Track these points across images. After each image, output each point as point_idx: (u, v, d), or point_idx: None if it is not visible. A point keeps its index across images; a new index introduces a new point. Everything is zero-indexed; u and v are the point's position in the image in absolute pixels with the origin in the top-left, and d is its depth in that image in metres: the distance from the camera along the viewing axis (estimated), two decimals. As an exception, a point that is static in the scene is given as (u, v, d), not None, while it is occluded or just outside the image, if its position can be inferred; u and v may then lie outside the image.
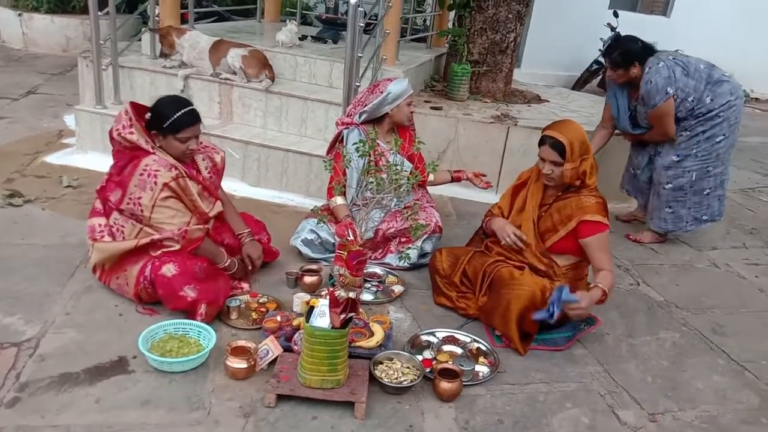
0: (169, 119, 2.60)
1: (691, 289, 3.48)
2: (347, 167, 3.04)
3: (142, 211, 2.60)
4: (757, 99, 11.18)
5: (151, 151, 2.63)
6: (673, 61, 3.67)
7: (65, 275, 2.87)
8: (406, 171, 2.29)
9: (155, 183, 2.57)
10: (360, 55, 3.83)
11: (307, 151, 4.09)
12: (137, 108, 2.70)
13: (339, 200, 3.19)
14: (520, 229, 2.86)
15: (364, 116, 3.32)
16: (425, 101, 4.89)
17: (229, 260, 2.82)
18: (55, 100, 5.86)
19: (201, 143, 2.88)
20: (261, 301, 2.79)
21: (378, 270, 3.19)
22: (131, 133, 2.62)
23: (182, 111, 2.63)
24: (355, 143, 2.84)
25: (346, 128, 3.33)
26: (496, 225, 2.94)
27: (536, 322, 2.66)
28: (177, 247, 2.61)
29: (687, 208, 3.88)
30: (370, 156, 2.63)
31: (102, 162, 4.22)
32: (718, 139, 3.72)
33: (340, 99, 4.03)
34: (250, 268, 2.92)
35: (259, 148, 4.14)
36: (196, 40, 4.49)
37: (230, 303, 2.67)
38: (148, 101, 4.57)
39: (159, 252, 2.61)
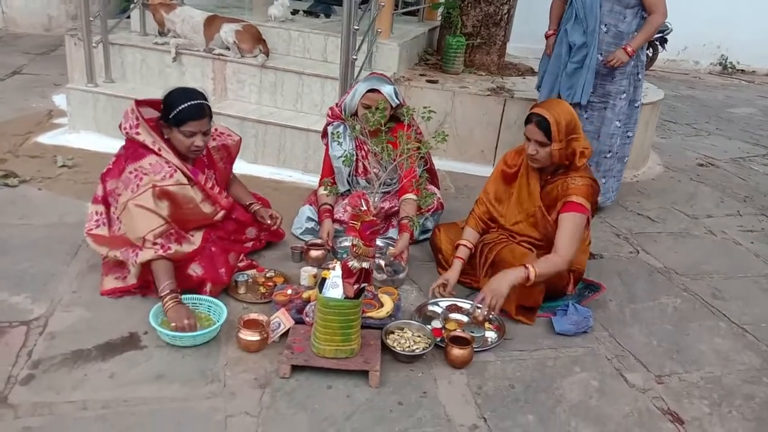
0: (174, 110, 2.50)
1: (689, 256, 3.53)
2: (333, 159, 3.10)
3: (116, 208, 2.55)
4: (743, 71, 11.25)
5: (157, 151, 2.53)
6: None
7: (68, 255, 2.84)
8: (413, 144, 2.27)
9: (137, 186, 2.46)
10: (356, 28, 3.79)
11: (304, 126, 4.06)
12: (143, 105, 2.62)
13: (321, 191, 3.15)
14: (519, 224, 2.82)
15: (346, 109, 3.15)
16: (420, 74, 4.87)
17: (168, 288, 2.41)
18: (41, 80, 5.75)
19: (215, 129, 2.80)
20: (268, 275, 2.79)
21: (379, 242, 3.19)
22: (137, 133, 2.53)
23: (188, 103, 2.51)
24: (339, 156, 2.92)
25: (329, 124, 3.24)
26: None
27: (540, 294, 2.69)
28: (133, 278, 2.51)
29: (613, 177, 3.93)
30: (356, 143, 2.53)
31: (95, 141, 4.20)
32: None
33: (335, 73, 4.00)
34: (275, 222, 2.95)
35: (255, 124, 4.10)
36: (189, 14, 4.42)
37: (238, 278, 2.67)
38: (138, 79, 4.49)
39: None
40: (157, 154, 2.52)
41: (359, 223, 2.01)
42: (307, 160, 4.07)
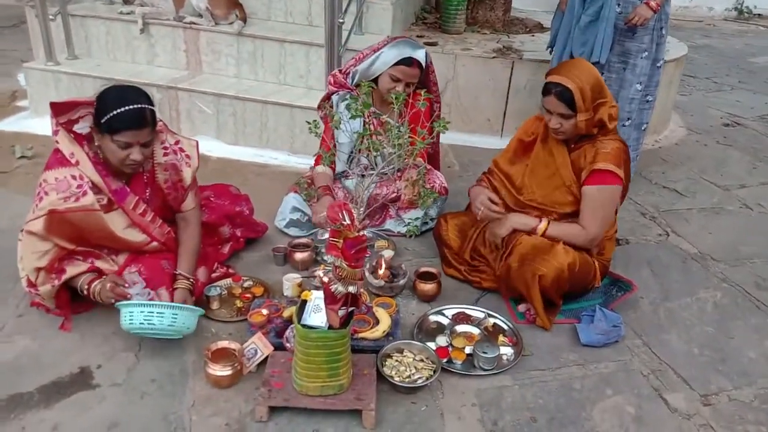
0: (107, 115, 2.01)
1: (724, 236, 3.13)
2: (336, 130, 2.58)
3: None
4: (760, 15, 10.59)
5: (72, 162, 2.06)
6: None
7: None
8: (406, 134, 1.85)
9: (36, 205, 2.07)
10: (342, -14, 3.33)
11: (287, 101, 3.63)
12: (59, 107, 2.11)
13: (320, 169, 2.73)
14: (535, 202, 2.44)
15: (357, 76, 2.76)
16: (417, 36, 4.39)
17: (86, 281, 2.14)
18: (6, 57, 5.30)
19: (177, 141, 2.27)
20: (245, 285, 2.42)
21: (368, 233, 2.81)
22: (56, 141, 2.09)
23: (125, 108, 2.00)
24: (346, 101, 2.33)
25: (336, 93, 2.80)
26: (473, 194, 2.53)
27: (561, 292, 2.33)
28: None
29: (629, 146, 3.53)
30: (364, 118, 2.10)
31: (58, 126, 3.78)
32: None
33: (321, 39, 3.54)
34: None
35: (233, 100, 3.67)
36: (154, -21, 3.95)
37: (208, 292, 2.30)
38: (104, 54, 3.99)
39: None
40: (70, 165, 2.06)
41: (341, 241, 1.63)
42: (293, 139, 3.65)
